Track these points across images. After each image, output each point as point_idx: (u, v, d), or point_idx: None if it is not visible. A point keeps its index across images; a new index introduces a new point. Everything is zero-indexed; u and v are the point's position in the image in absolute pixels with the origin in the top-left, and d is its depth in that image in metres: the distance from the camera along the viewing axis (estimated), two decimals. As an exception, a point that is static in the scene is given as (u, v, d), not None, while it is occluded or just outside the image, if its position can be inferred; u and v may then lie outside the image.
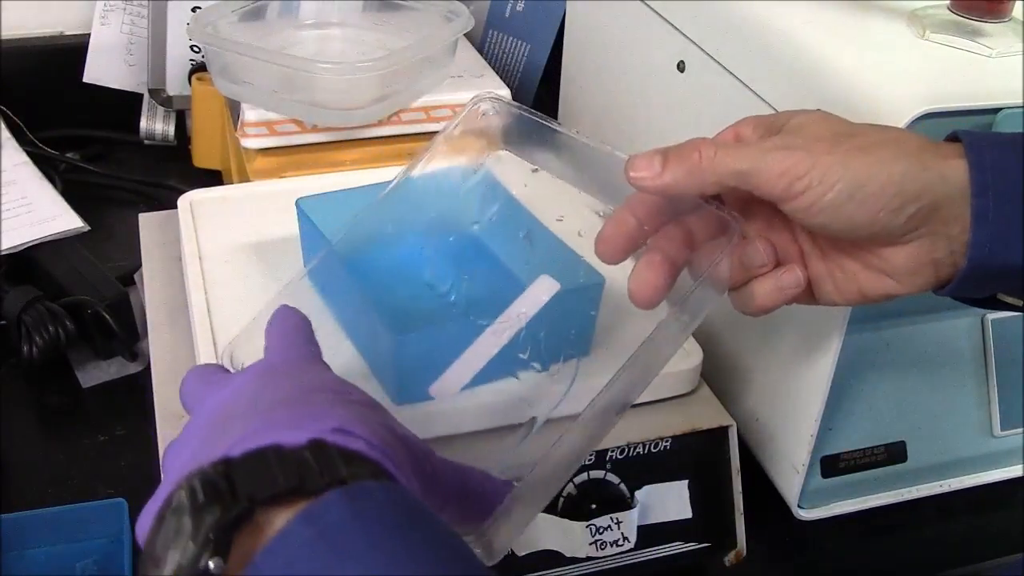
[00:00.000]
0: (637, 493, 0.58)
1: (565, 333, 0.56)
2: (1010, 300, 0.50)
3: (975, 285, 0.47)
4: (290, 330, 0.47)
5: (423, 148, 0.54)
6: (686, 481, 0.59)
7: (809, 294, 0.51)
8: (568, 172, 0.54)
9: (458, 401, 0.53)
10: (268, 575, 0.32)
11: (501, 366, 0.53)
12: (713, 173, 0.46)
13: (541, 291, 0.54)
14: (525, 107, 0.53)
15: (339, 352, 0.55)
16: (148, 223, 0.74)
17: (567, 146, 0.53)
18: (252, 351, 0.47)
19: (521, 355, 0.54)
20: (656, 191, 0.48)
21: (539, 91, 1.02)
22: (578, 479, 0.57)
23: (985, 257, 0.45)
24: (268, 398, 0.40)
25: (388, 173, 0.56)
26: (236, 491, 0.34)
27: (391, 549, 0.32)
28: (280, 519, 0.33)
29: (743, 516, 0.60)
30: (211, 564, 0.32)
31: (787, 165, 0.45)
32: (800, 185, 0.45)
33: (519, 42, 1.03)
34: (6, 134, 0.89)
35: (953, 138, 0.47)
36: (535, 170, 0.55)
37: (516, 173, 0.59)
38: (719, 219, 0.49)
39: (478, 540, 0.41)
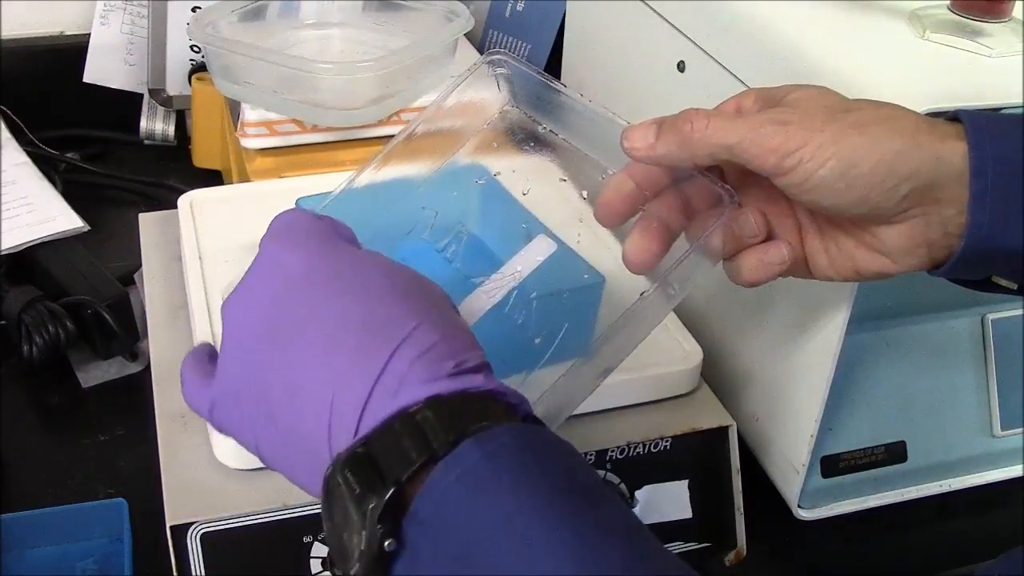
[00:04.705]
0: (637, 493, 0.58)
1: (567, 335, 0.56)
2: (1004, 283, 0.49)
3: (970, 267, 0.47)
4: (310, 224, 0.44)
5: (434, 99, 0.53)
6: (686, 481, 0.59)
7: (805, 268, 0.51)
8: (573, 134, 0.54)
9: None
10: (422, 519, 0.35)
11: (500, 368, 0.53)
12: (704, 145, 0.46)
13: (538, 250, 0.54)
14: (535, 67, 0.54)
15: None
16: (148, 223, 0.74)
17: (573, 109, 0.53)
18: None
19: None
20: (649, 161, 0.48)
21: (539, 91, 1.02)
22: (578, 479, 0.57)
23: (982, 239, 0.45)
24: (343, 322, 0.39)
25: (388, 173, 0.56)
26: (384, 476, 0.36)
27: (517, 483, 0.35)
28: (423, 472, 0.36)
29: (743, 516, 0.60)
30: (386, 546, 0.35)
31: (778, 141, 0.44)
32: (791, 161, 0.44)
33: (519, 42, 1.03)
34: (6, 134, 0.89)
35: (953, 118, 0.46)
36: (543, 128, 0.55)
37: (516, 175, 0.59)
38: (712, 191, 0.49)
39: None
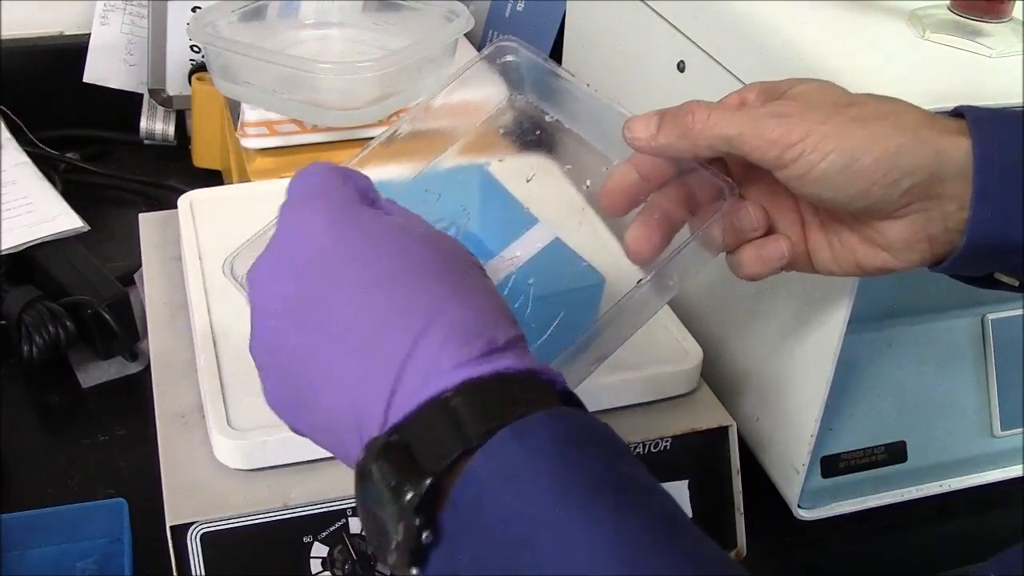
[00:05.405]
0: (637, 493, 0.58)
1: (565, 333, 0.56)
2: (1006, 279, 0.49)
3: (972, 263, 0.47)
4: (338, 184, 0.43)
5: (441, 83, 0.54)
6: (686, 481, 0.59)
7: (808, 262, 0.51)
8: (578, 124, 0.55)
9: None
10: (460, 512, 0.35)
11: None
12: (705, 137, 0.46)
13: (537, 238, 0.54)
14: (543, 55, 0.54)
15: None
16: (148, 223, 0.74)
17: (578, 99, 0.54)
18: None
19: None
20: (651, 152, 0.48)
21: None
22: (578, 479, 0.57)
23: (984, 234, 0.45)
24: (366, 304, 0.38)
25: (387, 173, 0.56)
26: (421, 468, 0.35)
27: (558, 477, 0.34)
28: (460, 462, 0.35)
29: (743, 516, 0.60)
30: (423, 538, 0.35)
31: (779, 133, 0.45)
32: (792, 153, 0.44)
33: (519, 42, 1.03)
34: (6, 134, 0.89)
35: (956, 114, 0.47)
36: (549, 117, 0.55)
37: (516, 174, 0.59)
38: (713, 183, 0.49)
39: None
